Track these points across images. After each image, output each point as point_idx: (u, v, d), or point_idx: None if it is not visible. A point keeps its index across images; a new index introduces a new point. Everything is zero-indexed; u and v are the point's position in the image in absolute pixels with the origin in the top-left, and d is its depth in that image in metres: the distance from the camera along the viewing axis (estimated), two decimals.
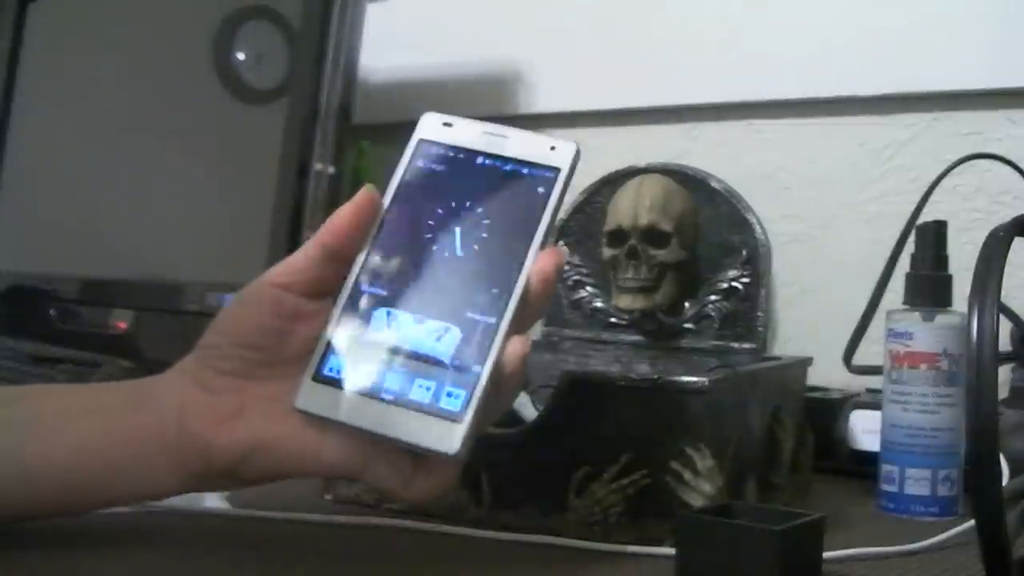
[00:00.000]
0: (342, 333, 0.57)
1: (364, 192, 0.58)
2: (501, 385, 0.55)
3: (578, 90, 1.20)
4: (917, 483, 0.76)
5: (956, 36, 0.99)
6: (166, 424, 0.58)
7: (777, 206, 1.08)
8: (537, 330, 0.96)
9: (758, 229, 0.89)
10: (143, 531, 0.65)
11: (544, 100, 1.22)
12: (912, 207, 0.89)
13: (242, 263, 1.01)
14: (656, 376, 0.67)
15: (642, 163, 0.95)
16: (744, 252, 0.89)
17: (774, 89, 1.09)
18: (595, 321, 0.95)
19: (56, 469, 0.58)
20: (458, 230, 0.58)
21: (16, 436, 0.59)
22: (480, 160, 0.60)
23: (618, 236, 0.91)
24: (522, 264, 0.57)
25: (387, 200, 0.59)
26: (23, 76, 1.29)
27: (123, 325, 1.16)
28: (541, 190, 0.59)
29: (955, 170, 0.88)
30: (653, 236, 0.89)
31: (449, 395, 0.54)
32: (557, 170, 0.59)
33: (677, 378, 0.66)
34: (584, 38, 1.19)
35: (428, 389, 0.55)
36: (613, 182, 0.94)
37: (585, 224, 0.95)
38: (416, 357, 0.55)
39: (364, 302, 0.57)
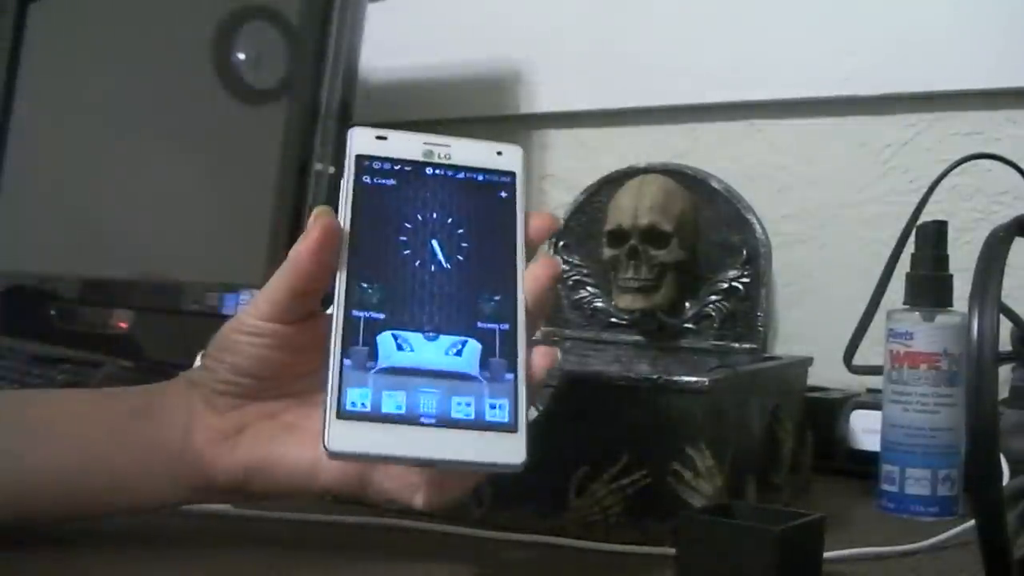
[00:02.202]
0: (352, 365, 0.52)
1: (320, 223, 0.55)
2: (529, 393, 0.54)
3: (578, 90, 1.20)
4: (917, 483, 0.76)
5: (956, 36, 0.99)
6: (172, 436, 0.58)
7: (777, 206, 1.08)
8: (537, 330, 0.96)
9: (758, 229, 0.89)
10: (143, 531, 0.65)
11: (544, 100, 1.22)
12: (912, 207, 0.89)
13: (242, 263, 1.01)
14: (656, 376, 0.67)
15: (642, 163, 0.95)
16: (744, 252, 0.89)
17: (774, 89, 1.09)
18: (595, 321, 0.95)
19: (59, 474, 0.58)
20: (435, 242, 0.56)
21: (19, 440, 0.59)
22: (430, 171, 0.58)
23: (618, 236, 0.91)
24: (515, 269, 0.56)
25: (344, 222, 0.56)
26: (23, 76, 1.29)
27: (123, 325, 1.16)
28: (503, 195, 0.58)
29: (955, 170, 0.88)
30: (653, 236, 0.89)
31: (492, 407, 0.53)
32: (512, 174, 0.59)
33: (677, 378, 0.66)
34: (584, 38, 1.19)
35: (468, 405, 0.52)
36: (613, 182, 0.94)
37: (585, 224, 0.95)
38: (442, 375, 0.53)
39: (363, 329, 0.53)
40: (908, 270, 0.80)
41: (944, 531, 0.68)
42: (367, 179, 0.58)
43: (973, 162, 0.91)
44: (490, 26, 1.25)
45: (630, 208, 0.90)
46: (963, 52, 0.99)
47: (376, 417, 0.51)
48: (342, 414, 0.51)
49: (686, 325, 0.91)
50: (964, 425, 0.75)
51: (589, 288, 0.95)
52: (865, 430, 0.87)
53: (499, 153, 0.59)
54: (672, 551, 0.59)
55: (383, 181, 0.58)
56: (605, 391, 0.67)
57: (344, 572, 0.60)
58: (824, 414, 0.89)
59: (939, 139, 1.02)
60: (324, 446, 0.51)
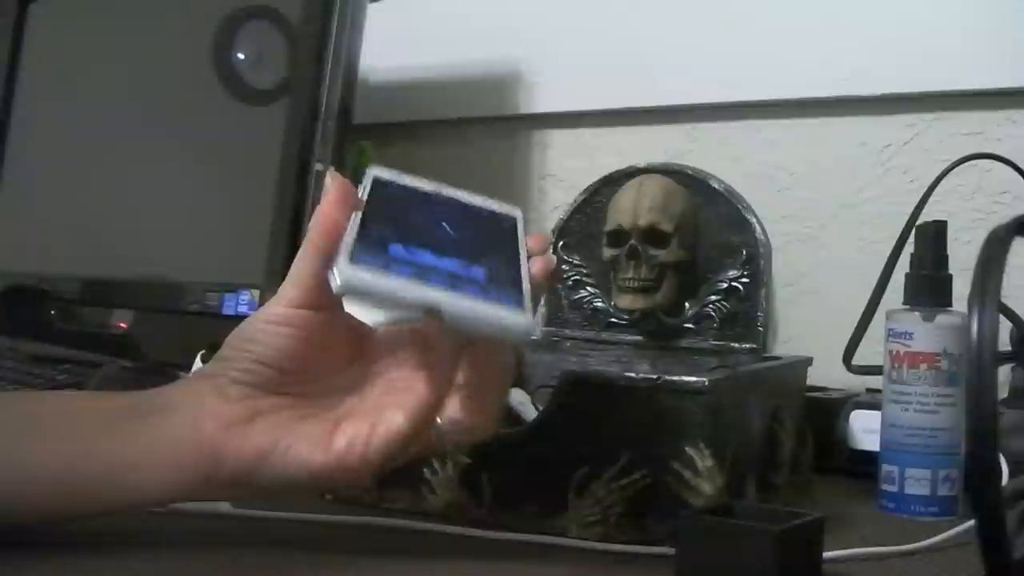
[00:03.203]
0: (366, 234, 0.54)
1: (336, 182, 0.58)
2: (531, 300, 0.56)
3: (578, 90, 1.20)
4: (917, 483, 0.76)
5: (957, 36, 0.99)
6: (177, 426, 0.58)
7: (777, 206, 1.08)
8: (537, 330, 0.96)
9: (758, 229, 0.89)
10: (143, 531, 0.65)
11: (544, 100, 1.22)
12: (912, 207, 0.89)
13: (242, 263, 1.01)
14: (656, 376, 0.67)
15: (642, 163, 0.95)
16: (744, 252, 0.89)
17: (774, 89, 1.09)
18: (595, 321, 0.95)
19: (53, 470, 0.58)
20: (445, 223, 0.59)
21: (16, 437, 0.59)
22: (443, 192, 0.62)
23: (618, 236, 0.91)
24: (518, 251, 0.60)
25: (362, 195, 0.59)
26: (23, 76, 1.29)
27: (123, 325, 1.16)
28: (507, 226, 0.62)
29: (955, 170, 0.88)
30: (653, 236, 0.89)
31: (498, 294, 0.54)
32: (514, 218, 0.63)
33: (677, 378, 0.66)
34: (584, 38, 1.19)
35: (475, 288, 0.54)
36: (613, 182, 0.94)
37: (585, 224, 0.95)
38: (451, 274, 0.54)
39: (375, 239, 0.55)
40: (908, 270, 0.80)
41: (944, 531, 0.68)
42: (382, 190, 0.61)
43: (973, 162, 0.91)
44: (490, 26, 1.25)
45: (630, 208, 0.90)
46: (963, 52, 0.99)
47: (386, 271, 0.52)
48: (354, 259, 0.52)
49: (686, 325, 0.91)
50: (964, 425, 0.76)
51: (589, 288, 0.95)
52: (865, 430, 0.87)
53: (499, 207, 0.64)
54: (672, 551, 0.59)
55: (396, 192, 0.61)
56: (605, 391, 0.67)
57: (344, 572, 0.60)
58: (824, 414, 0.89)
59: (939, 139, 1.02)
60: (333, 280, 0.51)
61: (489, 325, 0.53)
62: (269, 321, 0.58)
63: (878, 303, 0.90)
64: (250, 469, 0.57)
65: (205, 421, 0.58)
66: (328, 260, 0.55)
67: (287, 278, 0.59)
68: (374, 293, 0.52)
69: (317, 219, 0.58)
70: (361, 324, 0.62)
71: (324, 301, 0.58)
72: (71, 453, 0.58)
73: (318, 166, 0.96)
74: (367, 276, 0.51)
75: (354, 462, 0.57)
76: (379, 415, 0.58)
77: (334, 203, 0.58)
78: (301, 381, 0.59)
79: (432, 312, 0.52)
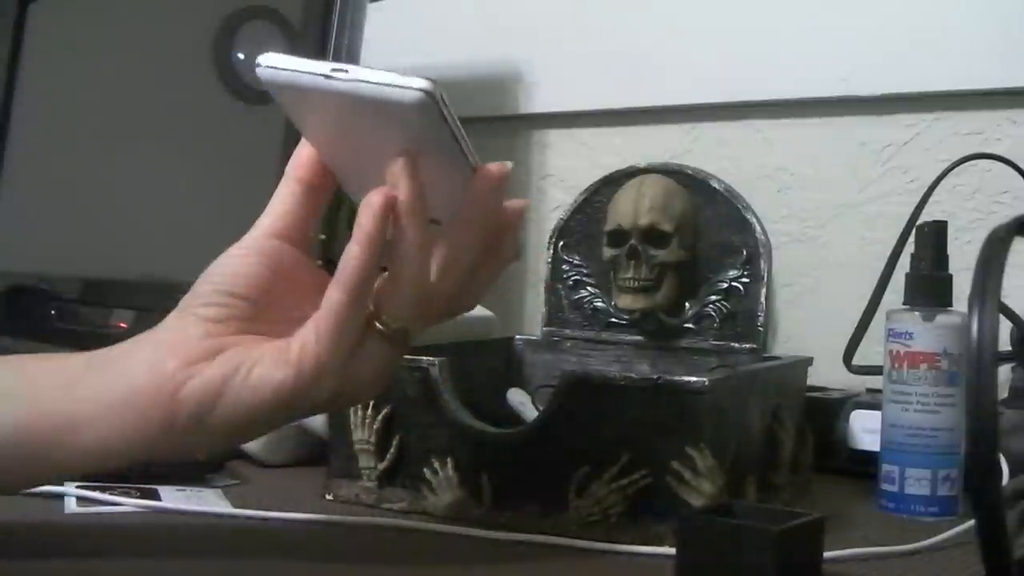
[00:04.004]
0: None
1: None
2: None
3: (578, 90, 1.20)
4: (917, 483, 0.76)
5: (956, 36, 0.99)
6: (135, 375, 0.56)
7: (777, 206, 1.08)
8: (537, 330, 0.97)
9: (758, 229, 0.89)
10: (143, 531, 0.65)
11: (544, 100, 1.22)
12: (912, 207, 0.89)
13: None
14: (656, 376, 0.67)
15: (642, 163, 0.95)
16: (744, 252, 0.89)
17: (774, 89, 1.09)
18: (595, 321, 0.95)
19: (6, 429, 0.56)
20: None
21: None
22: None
23: (618, 236, 0.91)
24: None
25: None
26: (23, 76, 1.29)
27: (123, 325, 1.16)
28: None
29: (955, 170, 0.88)
30: (653, 236, 0.89)
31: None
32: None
33: (677, 378, 0.66)
34: (584, 38, 1.19)
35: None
36: (613, 182, 0.94)
37: (585, 224, 0.95)
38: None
39: None
40: (908, 270, 0.80)
41: (944, 531, 0.68)
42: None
43: (973, 162, 0.91)
44: (490, 26, 1.25)
45: (630, 208, 0.90)
46: (963, 52, 0.99)
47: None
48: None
49: (686, 325, 0.91)
50: (964, 425, 0.76)
51: (589, 288, 0.95)
52: (865, 430, 0.87)
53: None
54: (672, 551, 0.59)
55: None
56: (605, 391, 0.67)
57: (344, 572, 0.60)
58: (824, 414, 0.89)
59: (939, 139, 1.02)
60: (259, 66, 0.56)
61: (388, 82, 0.56)
62: (240, 248, 0.59)
63: (878, 303, 0.90)
64: (213, 399, 0.56)
65: (166, 360, 0.56)
66: (313, 192, 0.60)
67: (267, 207, 0.60)
68: (289, 67, 0.56)
69: (296, 155, 0.60)
70: (322, 271, 0.62)
71: (296, 234, 0.59)
72: (22, 412, 0.56)
73: None
74: (283, 58, 0.56)
75: (311, 365, 0.56)
76: (320, 309, 0.57)
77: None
78: (263, 318, 0.58)
79: (337, 72, 0.56)
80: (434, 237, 0.58)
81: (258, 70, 0.57)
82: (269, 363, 0.56)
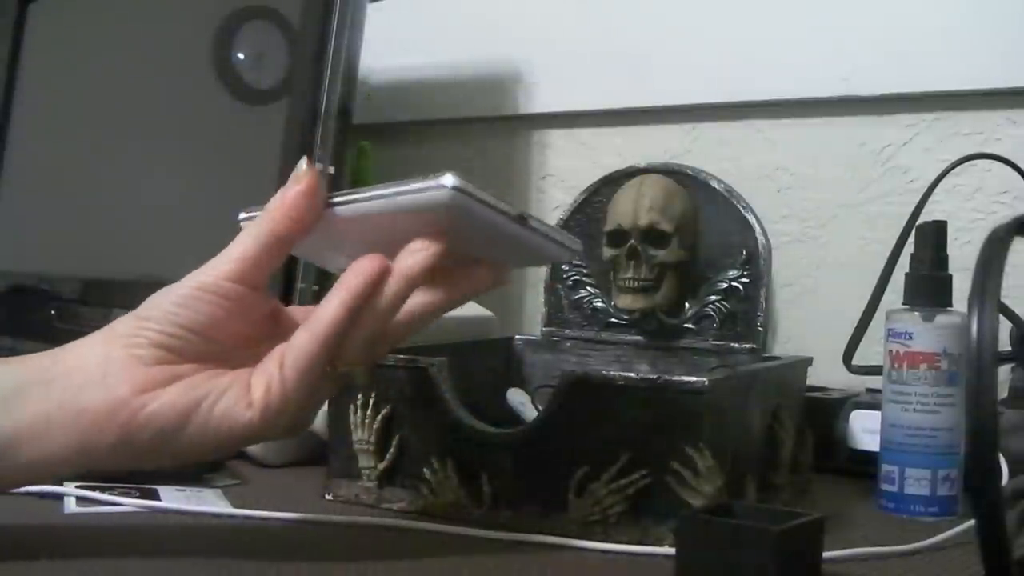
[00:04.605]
0: None
1: (311, 176, 0.60)
2: None
3: (578, 90, 1.20)
4: (917, 483, 0.76)
5: (956, 36, 0.99)
6: (86, 398, 0.56)
7: (777, 206, 1.08)
8: (537, 330, 0.97)
9: (758, 229, 0.89)
10: (143, 531, 0.65)
11: (544, 100, 1.22)
12: (912, 207, 0.89)
13: None
14: (656, 376, 0.67)
15: (642, 163, 0.95)
16: (744, 252, 0.89)
17: (774, 89, 1.09)
18: (595, 321, 0.95)
19: None
20: None
21: None
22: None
23: (618, 236, 0.91)
24: None
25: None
26: (23, 76, 1.29)
27: None
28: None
29: (955, 170, 0.88)
30: (653, 236, 0.89)
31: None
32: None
33: (677, 378, 0.66)
34: (584, 38, 1.19)
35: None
36: (613, 182, 0.94)
37: (585, 224, 0.95)
38: None
39: None
40: (908, 270, 0.80)
41: (944, 531, 0.68)
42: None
43: (973, 162, 0.91)
44: (490, 26, 1.25)
45: (630, 208, 0.90)
46: (963, 52, 0.99)
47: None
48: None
49: (686, 325, 0.91)
50: (964, 425, 0.76)
51: (589, 288, 0.95)
52: (865, 430, 0.87)
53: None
54: (672, 551, 0.59)
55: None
56: (605, 391, 0.67)
57: (344, 572, 0.60)
58: (824, 414, 0.89)
59: (939, 139, 1.02)
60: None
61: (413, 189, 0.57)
62: (204, 289, 0.59)
63: (878, 303, 0.90)
64: (175, 427, 0.56)
65: (119, 387, 0.56)
66: (283, 245, 0.59)
67: (228, 250, 0.60)
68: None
69: (281, 203, 0.59)
70: (279, 306, 0.63)
71: (260, 281, 0.59)
72: None
73: (318, 166, 0.96)
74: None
75: (276, 406, 0.57)
76: (284, 347, 0.58)
77: (302, 193, 0.59)
78: (218, 354, 0.59)
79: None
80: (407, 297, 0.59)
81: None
82: (233, 400, 0.57)
